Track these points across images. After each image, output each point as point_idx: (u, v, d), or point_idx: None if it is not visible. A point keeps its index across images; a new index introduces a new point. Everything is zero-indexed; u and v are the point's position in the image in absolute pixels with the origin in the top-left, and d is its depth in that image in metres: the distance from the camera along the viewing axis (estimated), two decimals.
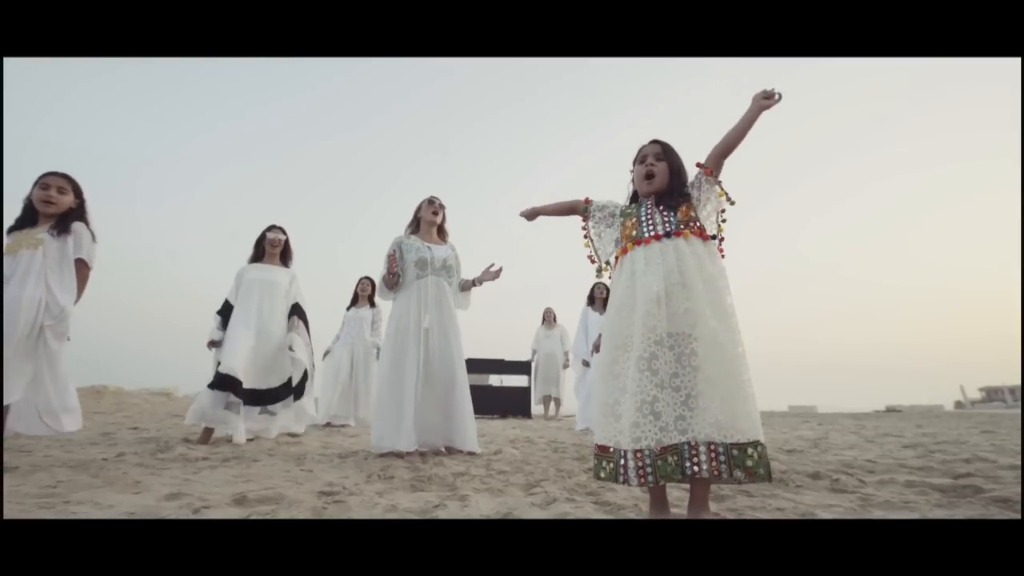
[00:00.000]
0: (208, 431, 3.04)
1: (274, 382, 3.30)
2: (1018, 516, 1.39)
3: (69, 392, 2.03)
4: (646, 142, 1.55)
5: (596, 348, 3.81)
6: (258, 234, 3.58)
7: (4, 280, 1.89)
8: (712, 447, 1.23)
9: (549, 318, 6.90)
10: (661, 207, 1.47)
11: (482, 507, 1.49)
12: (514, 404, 6.64)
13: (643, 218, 1.48)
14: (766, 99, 1.42)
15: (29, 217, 2.03)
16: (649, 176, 1.49)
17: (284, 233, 3.61)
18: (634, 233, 1.47)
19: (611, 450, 1.31)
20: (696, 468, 1.23)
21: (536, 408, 6.95)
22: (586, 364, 5.01)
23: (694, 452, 1.24)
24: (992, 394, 30.44)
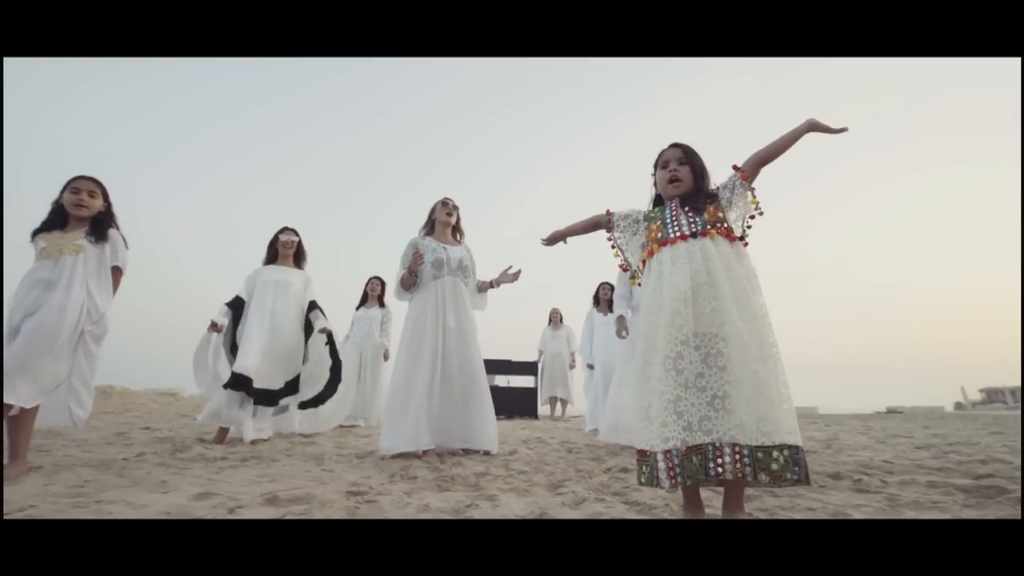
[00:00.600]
0: (223, 431, 3.05)
1: (284, 381, 3.31)
2: None
3: (91, 391, 2.06)
4: (666, 146, 1.54)
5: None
6: (271, 236, 3.60)
7: (49, 284, 1.92)
8: (736, 449, 1.24)
9: (555, 319, 6.89)
10: (686, 208, 1.47)
11: (513, 507, 1.50)
12: (521, 405, 6.65)
13: (668, 220, 1.48)
14: (824, 126, 1.41)
15: (58, 219, 2.05)
16: (674, 180, 1.49)
17: (297, 235, 3.63)
18: (659, 235, 1.47)
19: (648, 454, 1.31)
20: (720, 469, 1.24)
21: (542, 409, 6.95)
22: (590, 366, 5.01)
23: (718, 453, 1.25)
24: (992, 395, 30.46)
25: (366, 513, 1.41)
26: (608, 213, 1.67)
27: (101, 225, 2.08)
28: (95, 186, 2.09)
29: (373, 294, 5.14)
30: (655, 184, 1.59)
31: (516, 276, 2.95)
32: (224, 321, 3.27)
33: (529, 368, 6.85)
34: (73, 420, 2.00)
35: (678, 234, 1.43)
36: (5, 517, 1.31)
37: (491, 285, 3.00)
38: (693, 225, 1.43)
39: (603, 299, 4.87)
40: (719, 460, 1.24)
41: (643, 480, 1.32)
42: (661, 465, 1.25)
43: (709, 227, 1.42)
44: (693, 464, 1.24)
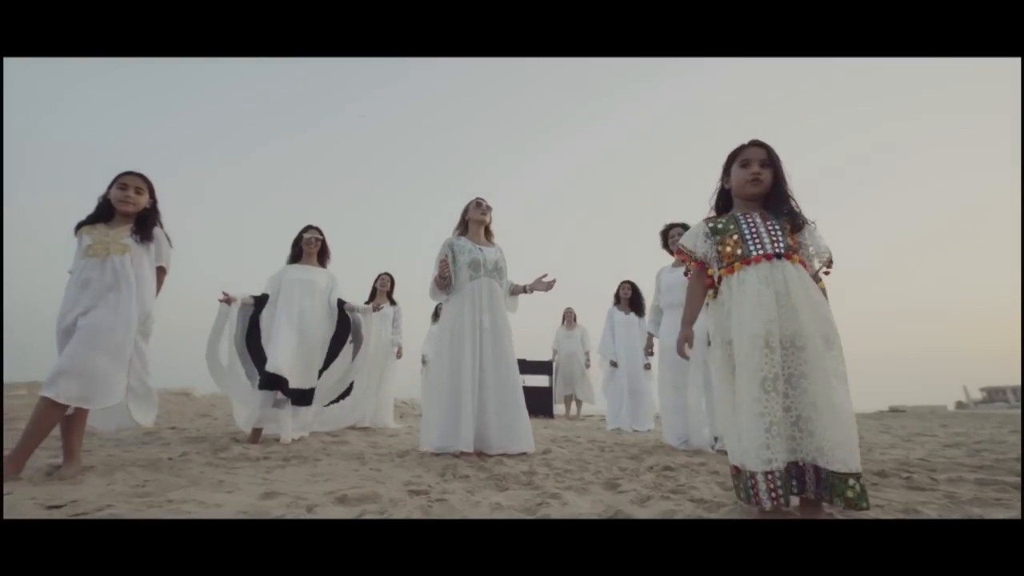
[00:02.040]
0: (257, 431, 3.05)
1: (313, 382, 3.32)
2: None
3: (150, 390, 2.08)
4: (746, 143, 1.49)
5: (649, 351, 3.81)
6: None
7: (98, 285, 1.93)
8: (816, 471, 1.27)
9: (569, 318, 6.90)
10: (768, 222, 1.44)
11: (582, 505, 1.51)
12: (537, 404, 6.64)
13: (747, 234, 1.43)
14: None
15: (104, 214, 2.05)
16: (755, 180, 1.45)
17: (320, 233, 3.63)
18: (739, 251, 1.43)
19: (741, 471, 1.31)
20: (802, 488, 1.29)
21: (557, 408, 6.96)
22: (613, 364, 5.03)
23: (801, 472, 1.29)
24: (993, 394, 30.53)
25: (440, 512, 1.41)
26: (703, 268, 1.54)
27: (146, 223, 2.09)
28: (142, 182, 2.09)
29: (383, 290, 4.97)
30: (722, 180, 1.56)
31: (550, 285, 2.97)
32: (239, 300, 3.27)
33: (544, 367, 6.86)
34: (139, 422, 2.02)
35: (761, 252, 1.39)
36: (84, 516, 1.32)
37: (524, 290, 3.00)
38: (776, 244, 1.40)
39: (623, 298, 4.88)
40: (802, 479, 1.29)
41: (741, 496, 1.31)
42: (762, 486, 1.24)
43: (791, 251, 1.41)
44: (786, 483, 1.27)
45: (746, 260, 1.41)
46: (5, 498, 1.42)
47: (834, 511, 1.38)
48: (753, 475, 1.25)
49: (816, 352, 1.29)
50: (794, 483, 1.29)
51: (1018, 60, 1.53)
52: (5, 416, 3.98)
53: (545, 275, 2.96)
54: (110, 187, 2.05)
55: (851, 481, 1.20)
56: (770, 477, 1.24)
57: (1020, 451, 2.87)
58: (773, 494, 1.23)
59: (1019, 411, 10.40)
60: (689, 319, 1.58)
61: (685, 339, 1.60)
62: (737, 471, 1.33)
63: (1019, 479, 1.93)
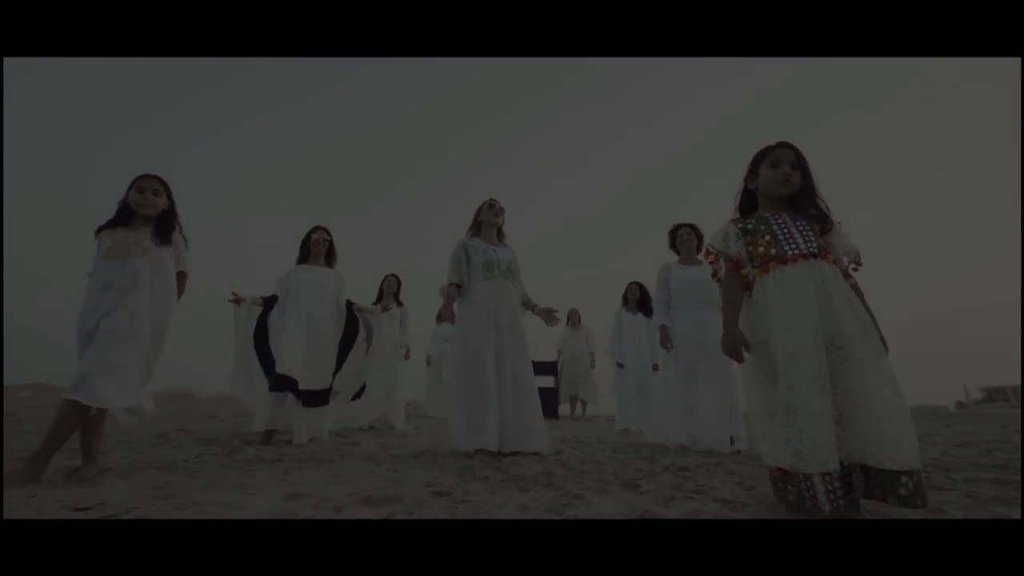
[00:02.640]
0: (268, 432, 3.05)
1: (326, 383, 3.32)
2: None
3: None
4: (773, 144, 1.50)
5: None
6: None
7: (120, 287, 1.93)
8: (864, 469, 1.26)
9: (574, 319, 6.91)
10: (797, 222, 1.44)
11: (607, 506, 1.51)
12: (542, 404, 6.65)
13: (779, 234, 1.43)
14: None
15: (124, 217, 2.05)
16: (784, 182, 1.45)
17: (328, 234, 3.63)
18: (773, 251, 1.42)
19: (792, 473, 1.27)
20: (848, 489, 1.28)
21: (561, 408, 6.97)
22: (620, 366, 5.03)
23: (847, 472, 1.28)
24: (993, 394, 30.59)
25: (467, 513, 1.41)
26: (731, 264, 1.52)
27: (165, 225, 2.09)
28: (159, 185, 2.10)
29: (389, 291, 4.94)
30: (747, 181, 1.56)
31: (554, 323, 3.00)
32: (255, 307, 3.28)
33: (549, 368, 6.86)
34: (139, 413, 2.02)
35: (797, 252, 1.39)
36: (112, 517, 1.32)
37: (532, 309, 3.02)
38: (810, 244, 1.40)
39: (631, 299, 4.89)
40: (848, 480, 1.28)
41: (791, 499, 1.29)
42: (819, 488, 1.21)
43: (824, 251, 1.41)
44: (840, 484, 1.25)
45: (782, 260, 1.40)
46: (33, 500, 1.43)
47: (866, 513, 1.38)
48: (809, 477, 1.22)
49: (856, 351, 1.29)
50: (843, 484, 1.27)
51: (1018, 60, 1.54)
52: (14, 418, 3.97)
53: (557, 311, 2.98)
54: (129, 190, 2.05)
55: (903, 479, 1.19)
56: (827, 478, 1.21)
57: (1021, 452, 2.88)
58: (832, 495, 1.20)
59: (1019, 411, 10.43)
60: (732, 320, 1.50)
61: (735, 340, 1.49)
62: (784, 473, 1.29)
63: None
